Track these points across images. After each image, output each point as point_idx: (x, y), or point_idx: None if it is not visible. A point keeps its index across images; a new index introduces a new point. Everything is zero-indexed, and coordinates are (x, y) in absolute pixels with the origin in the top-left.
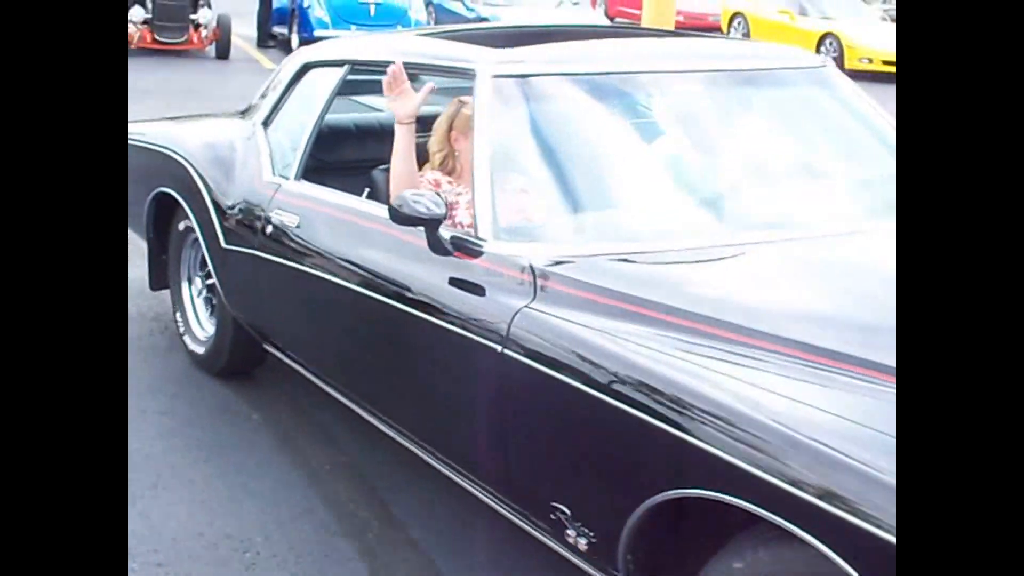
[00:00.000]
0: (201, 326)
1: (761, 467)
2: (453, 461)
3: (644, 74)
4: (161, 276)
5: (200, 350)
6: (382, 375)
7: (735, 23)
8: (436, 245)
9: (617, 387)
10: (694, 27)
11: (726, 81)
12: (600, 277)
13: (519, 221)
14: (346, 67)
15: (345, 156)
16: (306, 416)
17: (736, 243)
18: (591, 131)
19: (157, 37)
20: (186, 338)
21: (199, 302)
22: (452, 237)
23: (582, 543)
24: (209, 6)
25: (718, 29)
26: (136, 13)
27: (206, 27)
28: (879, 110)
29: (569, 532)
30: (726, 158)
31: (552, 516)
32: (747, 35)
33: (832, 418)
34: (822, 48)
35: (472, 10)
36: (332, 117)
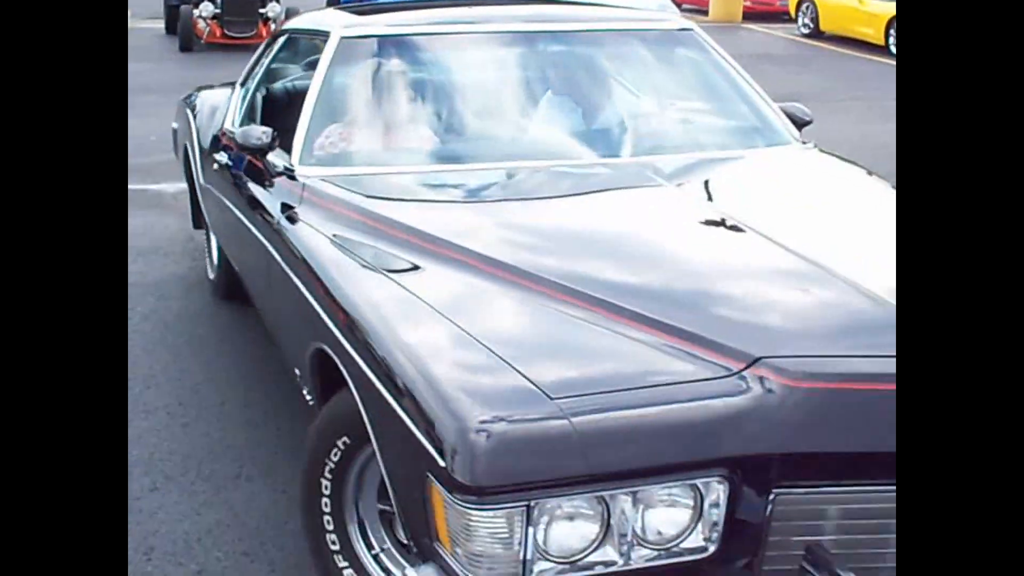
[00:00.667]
0: (212, 259)
1: (352, 342)
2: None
3: (471, 34)
4: (199, 218)
5: (212, 276)
6: (260, 289)
7: (803, 7)
8: (265, 170)
9: (300, 268)
10: (761, 12)
11: (554, 39)
12: (333, 190)
13: (328, 152)
14: (284, 36)
15: (278, 114)
16: None
17: (475, 168)
18: (407, 81)
19: (226, 32)
20: (208, 268)
21: (213, 238)
22: (278, 164)
23: (309, 399)
24: (278, 0)
25: (786, 14)
26: (205, 8)
27: (275, 21)
28: (734, 73)
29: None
30: (528, 103)
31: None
32: (815, 19)
33: (432, 311)
34: (891, 32)
35: None
36: (284, 82)
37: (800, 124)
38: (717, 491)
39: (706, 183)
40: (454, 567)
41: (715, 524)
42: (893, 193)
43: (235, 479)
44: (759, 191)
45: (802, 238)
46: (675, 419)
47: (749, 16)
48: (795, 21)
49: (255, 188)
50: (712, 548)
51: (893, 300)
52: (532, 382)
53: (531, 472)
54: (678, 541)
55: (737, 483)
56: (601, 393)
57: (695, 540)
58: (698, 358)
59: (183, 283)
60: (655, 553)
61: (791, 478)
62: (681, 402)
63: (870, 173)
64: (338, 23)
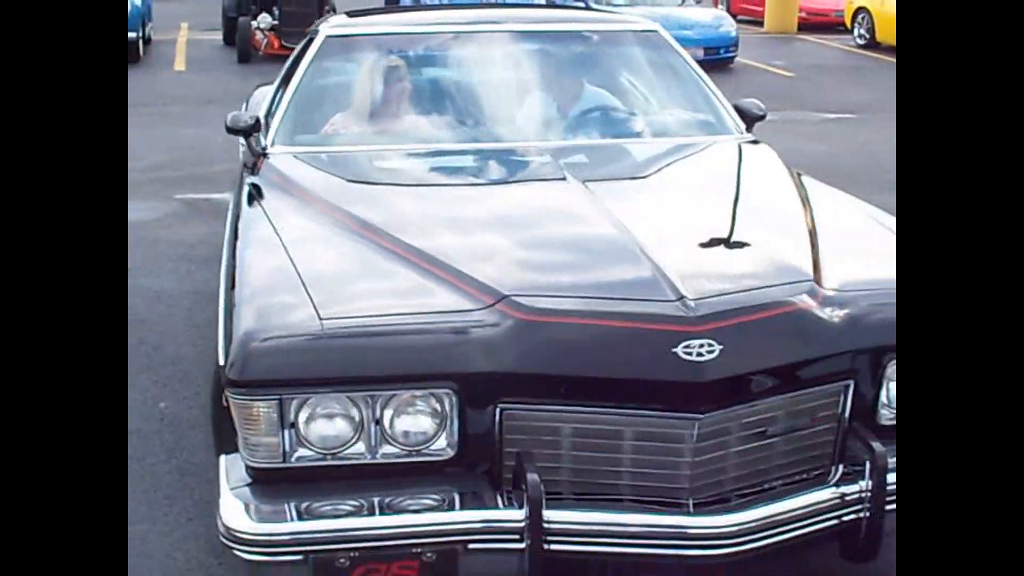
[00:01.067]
0: None
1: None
2: None
3: (440, 33)
4: None
5: None
6: None
7: (859, 18)
8: (251, 149)
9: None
10: (817, 23)
11: (515, 38)
12: (282, 163)
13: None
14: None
15: None
16: None
17: (407, 148)
18: (381, 73)
19: (284, 43)
20: None
21: None
22: (259, 145)
23: None
24: (335, 11)
25: (842, 25)
26: (263, 20)
27: None
28: (689, 69)
29: None
30: (485, 91)
31: None
32: (871, 30)
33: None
34: None
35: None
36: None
37: (752, 119)
38: (449, 401)
39: (607, 164)
40: (243, 452)
41: (454, 431)
42: (796, 196)
43: None
44: (643, 171)
45: (637, 212)
46: (416, 339)
47: (804, 27)
48: (851, 32)
49: (244, 171)
50: (452, 452)
51: (666, 274)
52: (313, 302)
53: (286, 371)
54: (424, 444)
55: (464, 396)
56: (364, 316)
57: (439, 444)
58: (461, 292)
59: None
60: (402, 452)
61: (515, 395)
62: (425, 325)
63: (798, 175)
64: (329, 23)
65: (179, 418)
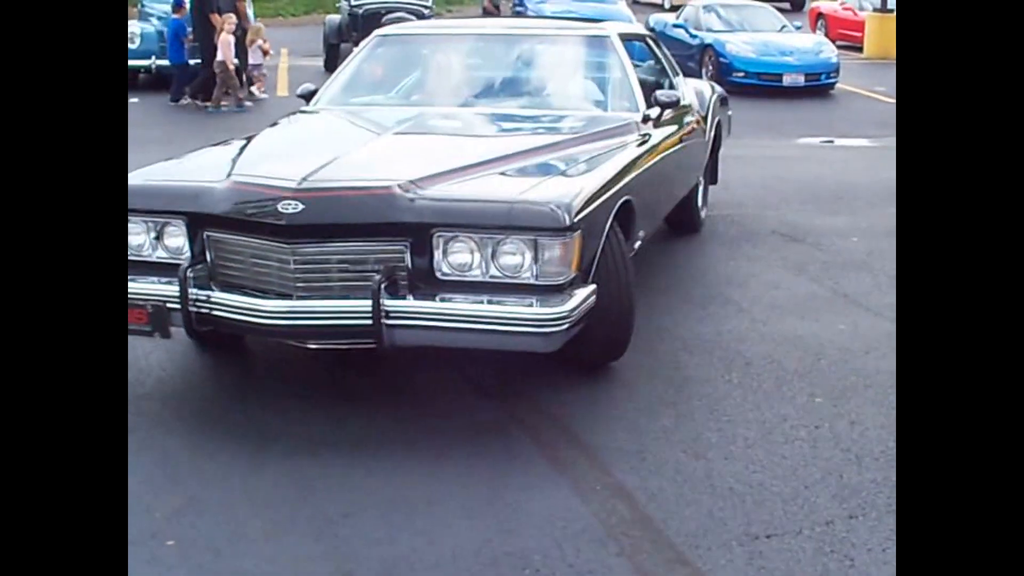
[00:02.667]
0: None
1: None
2: None
3: (458, 36)
4: None
5: None
6: None
7: None
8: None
9: None
10: None
11: (507, 40)
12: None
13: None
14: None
15: None
16: (574, 438)
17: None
18: (408, 58)
19: None
20: None
21: None
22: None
23: None
24: None
25: None
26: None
27: None
28: (620, 64)
29: None
30: (469, 75)
31: None
32: None
33: None
34: None
35: (696, 37)
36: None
37: (666, 104)
38: (183, 228)
39: (473, 125)
40: None
41: (193, 250)
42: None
43: (428, 506)
44: (478, 129)
45: (410, 151)
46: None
47: None
48: None
49: None
50: (189, 260)
51: (315, 170)
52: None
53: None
54: (176, 254)
55: (192, 225)
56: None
57: (185, 254)
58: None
59: None
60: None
61: (215, 227)
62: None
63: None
64: (385, 29)
65: (300, 440)
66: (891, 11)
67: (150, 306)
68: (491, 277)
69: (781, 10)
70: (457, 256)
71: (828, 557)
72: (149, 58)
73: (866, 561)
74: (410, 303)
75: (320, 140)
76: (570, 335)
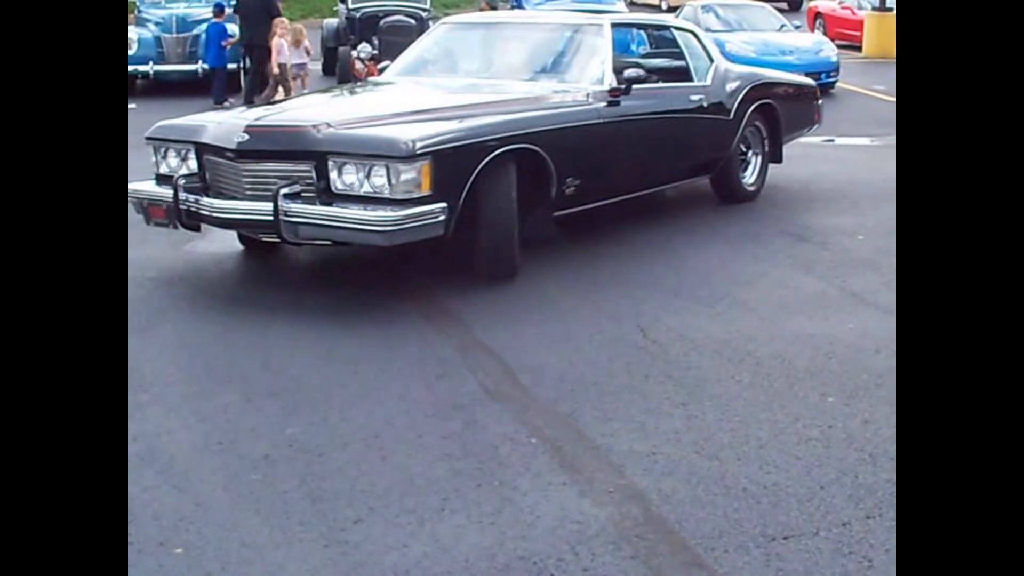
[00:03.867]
0: None
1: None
2: None
3: (488, 24)
4: None
5: None
6: None
7: None
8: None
9: None
10: None
11: (520, 28)
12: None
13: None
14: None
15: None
16: (585, 440)
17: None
18: (450, 44)
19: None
20: None
21: None
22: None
23: None
24: None
25: None
26: (363, 50)
27: None
28: (601, 46)
29: None
30: (488, 57)
31: None
32: None
33: None
34: None
35: None
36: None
37: (632, 80)
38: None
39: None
40: None
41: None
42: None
43: (439, 512)
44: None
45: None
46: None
47: None
48: None
49: None
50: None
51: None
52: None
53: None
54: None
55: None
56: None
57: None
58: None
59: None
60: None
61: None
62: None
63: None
64: (448, 19)
65: (308, 444)
66: (890, 10)
67: (164, 204)
68: (366, 192)
69: (779, 10)
70: (346, 177)
71: (847, 559)
72: (147, 63)
73: (884, 561)
74: (298, 207)
75: (331, 98)
76: (408, 237)
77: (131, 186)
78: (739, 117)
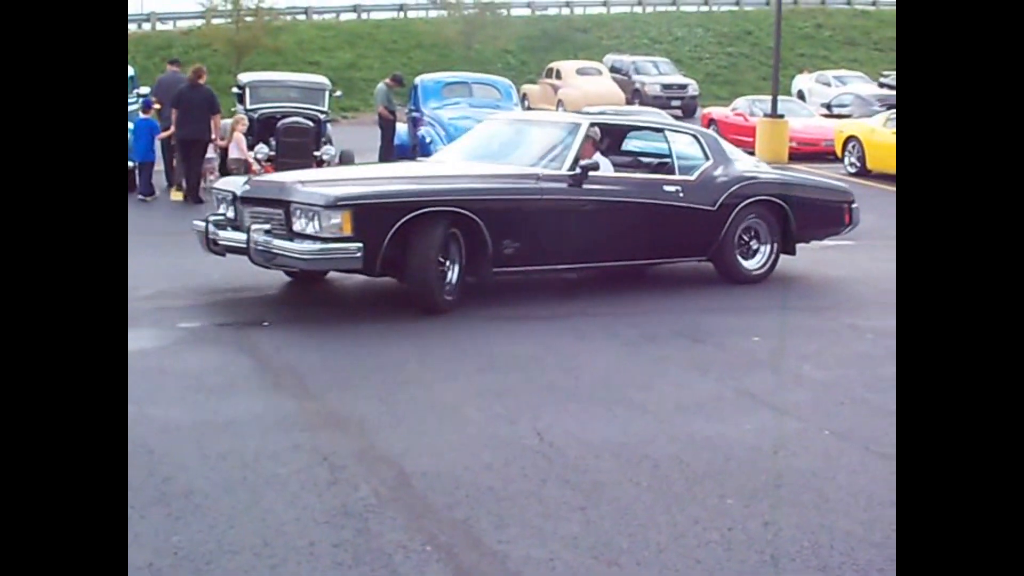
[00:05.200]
0: None
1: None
2: None
3: (509, 120)
4: None
5: None
6: None
7: (849, 147)
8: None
9: None
10: (807, 152)
11: (526, 124)
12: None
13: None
14: None
15: None
16: (481, 547)
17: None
18: (484, 134)
19: None
20: None
21: None
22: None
23: None
24: (331, 142)
25: (832, 154)
26: (260, 150)
27: (329, 163)
28: (570, 144)
29: None
30: (502, 144)
31: None
32: (862, 158)
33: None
34: None
35: None
36: None
37: (585, 167)
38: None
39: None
40: None
41: None
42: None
43: None
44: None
45: None
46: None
47: (795, 157)
48: (841, 160)
49: None
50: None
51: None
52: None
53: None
54: None
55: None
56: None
57: None
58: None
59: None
60: None
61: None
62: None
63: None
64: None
65: (194, 553)
66: (781, 116)
67: (198, 232)
68: (310, 232)
69: (674, 116)
70: (301, 220)
71: None
72: None
73: None
74: (261, 238)
75: (335, 169)
76: (326, 266)
77: (194, 221)
78: (726, 211)
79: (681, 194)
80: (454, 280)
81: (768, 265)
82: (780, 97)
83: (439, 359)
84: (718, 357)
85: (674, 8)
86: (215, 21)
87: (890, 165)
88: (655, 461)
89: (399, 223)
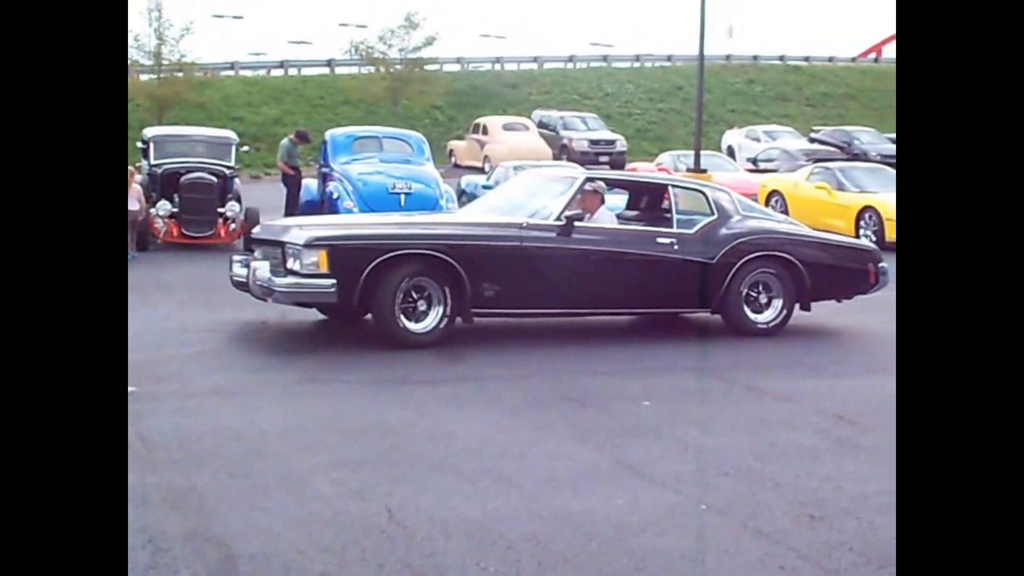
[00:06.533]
0: None
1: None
2: None
3: (524, 175)
4: None
5: None
6: None
7: (772, 201)
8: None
9: None
10: None
11: (532, 179)
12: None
13: None
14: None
15: None
16: None
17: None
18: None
19: (184, 231)
20: None
21: None
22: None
23: None
24: (239, 199)
25: None
26: (163, 207)
27: (234, 220)
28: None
29: None
30: (513, 196)
31: None
32: (785, 212)
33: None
34: (861, 221)
35: None
36: None
37: (573, 218)
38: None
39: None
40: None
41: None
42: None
43: None
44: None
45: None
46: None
47: None
48: None
49: None
50: None
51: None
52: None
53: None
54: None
55: None
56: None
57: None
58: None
59: None
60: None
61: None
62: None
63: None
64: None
65: None
66: (704, 170)
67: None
68: (297, 268)
69: None
70: (291, 258)
71: None
72: None
73: None
74: (263, 275)
75: (365, 217)
76: (303, 299)
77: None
78: (727, 264)
79: (676, 247)
80: (436, 320)
81: (780, 320)
82: (705, 152)
83: (306, 426)
84: (602, 423)
85: (605, 64)
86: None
87: (812, 221)
88: (509, 541)
89: (374, 263)
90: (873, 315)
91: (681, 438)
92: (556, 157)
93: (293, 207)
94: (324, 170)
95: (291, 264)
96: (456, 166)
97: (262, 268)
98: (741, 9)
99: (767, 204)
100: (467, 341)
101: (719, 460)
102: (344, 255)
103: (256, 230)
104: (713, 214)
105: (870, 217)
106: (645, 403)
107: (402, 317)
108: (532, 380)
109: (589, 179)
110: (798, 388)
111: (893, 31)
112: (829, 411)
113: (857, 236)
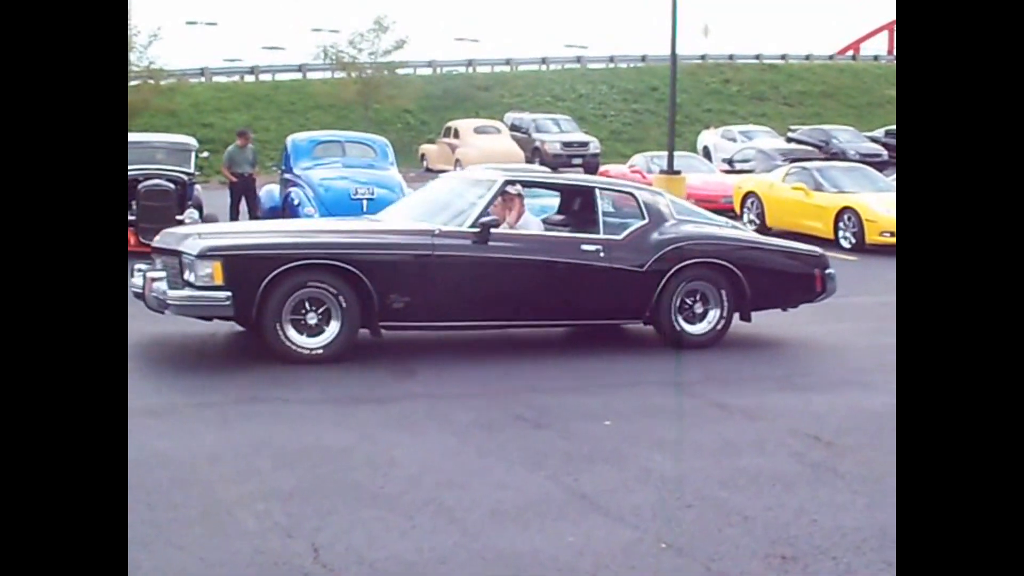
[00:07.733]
0: None
1: None
2: None
3: (444, 179)
4: None
5: None
6: None
7: (748, 203)
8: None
9: None
10: (706, 208)
11: (450, 182)
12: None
13: None
14: None
15: None
16: None
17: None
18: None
19: (142, 239)
20: None
21: None
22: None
23: None
24: (200, 206)
25: (731, 211)
26: None
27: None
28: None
29: None
30: (434, 202)
31: None
32: (761, 215)
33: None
34: (840, 223)
35: None
36: None
37: (485, 224)
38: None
39: None
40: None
41: None
42: None
43: None
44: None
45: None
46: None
47: None
48: (740, 217)
49: None
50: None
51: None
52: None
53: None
54: None
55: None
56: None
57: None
58: None
59: None
60: None
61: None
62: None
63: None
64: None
65: None
66: (678, 172)
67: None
68: (192, 280)
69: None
70: (186, 269)
71: None
72: None
73: None
74: (159, 285)
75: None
76: (196, 312)
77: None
78: (658, 272)
79: (602, 254)
80: (335, 333)
81: (716, 331)
82: (680, 153)
83: (238, 451)
84: (557, 447)
85: (579, 65)
86: None
87: (789, 223)
88: None
89: (272, 274)
90: (845, 323)
91: (642, 463)
92: (529, 160)
93: (235, 215)
94: (286, 176)
95: (187, 275)
96: (428, 170)
97: (159, 279)
98: (717, 8)
99: (743, 206)
100: (421, 355)
101: (683, 489)
102: (239, 266)
103: (156, 239)
104: (644, 218)
105: (849, 218)
106: (606, 422)
107: (291, 330)
108: (487, 398)
109: (509, 182)
110: (769, 404)
111: (871, 27)
112: (803, 431)
113: (836, 238)
